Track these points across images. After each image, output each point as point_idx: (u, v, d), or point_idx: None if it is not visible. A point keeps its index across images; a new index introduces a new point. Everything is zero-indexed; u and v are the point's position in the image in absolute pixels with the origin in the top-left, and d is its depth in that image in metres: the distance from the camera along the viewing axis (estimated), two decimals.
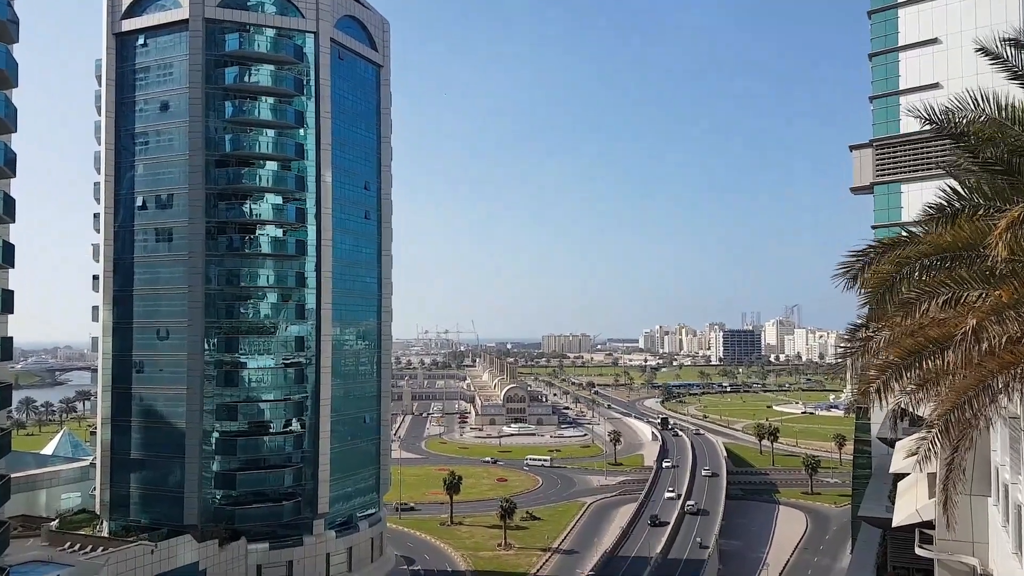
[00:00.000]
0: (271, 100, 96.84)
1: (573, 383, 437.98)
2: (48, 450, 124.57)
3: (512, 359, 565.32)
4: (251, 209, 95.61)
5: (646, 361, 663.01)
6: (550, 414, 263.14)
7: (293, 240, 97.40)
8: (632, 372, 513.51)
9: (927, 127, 29.61)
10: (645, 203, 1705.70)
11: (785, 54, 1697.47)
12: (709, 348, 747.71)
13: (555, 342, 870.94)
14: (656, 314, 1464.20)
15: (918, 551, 37.79)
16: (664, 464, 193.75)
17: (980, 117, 28.69)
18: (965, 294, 25.43)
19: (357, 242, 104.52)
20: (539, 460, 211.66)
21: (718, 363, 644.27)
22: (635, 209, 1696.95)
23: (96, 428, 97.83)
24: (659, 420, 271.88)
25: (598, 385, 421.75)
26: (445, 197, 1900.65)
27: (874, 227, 74.79)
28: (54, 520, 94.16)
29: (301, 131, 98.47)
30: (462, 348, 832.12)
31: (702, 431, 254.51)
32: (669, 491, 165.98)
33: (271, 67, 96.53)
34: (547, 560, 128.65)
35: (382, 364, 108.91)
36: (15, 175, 70.66)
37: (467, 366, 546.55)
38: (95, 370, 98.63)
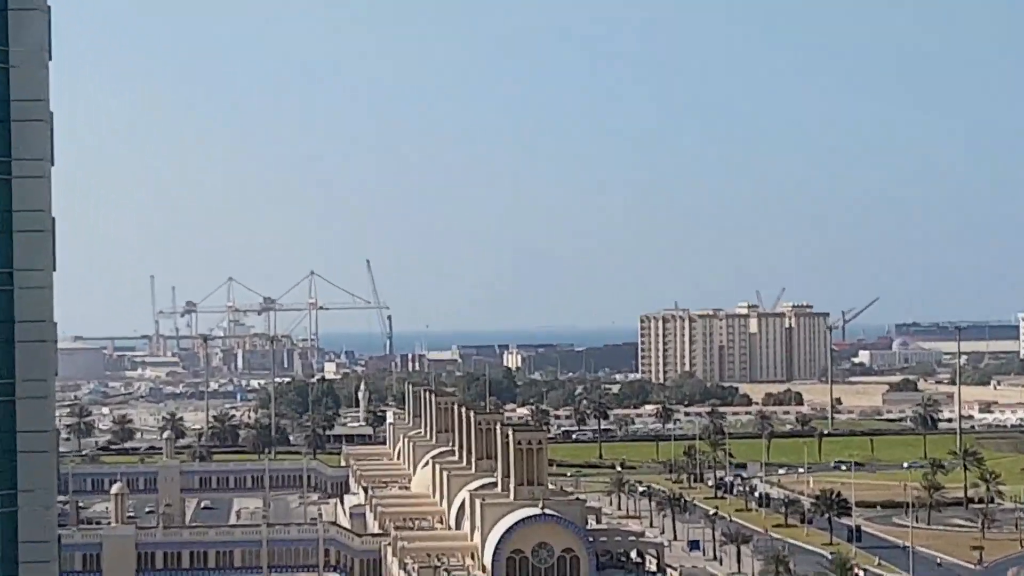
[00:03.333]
0: None
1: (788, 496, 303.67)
2: None
3: (526, 412, 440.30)
4: None
5: None
6: None
7: None
8: None
9: None
10: None
11: None
12: None
13: (703, 341, 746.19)
14: None
15: None
16: None
17: None
18: None
19: None
20: None
21: None
22: None
23: None
24: None
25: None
26: None
27: None
28: None
29: None
30: (337, 365, 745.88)
31: None
32: None
33: None
34: None
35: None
36: None
37: (354, 435, 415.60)
38: None
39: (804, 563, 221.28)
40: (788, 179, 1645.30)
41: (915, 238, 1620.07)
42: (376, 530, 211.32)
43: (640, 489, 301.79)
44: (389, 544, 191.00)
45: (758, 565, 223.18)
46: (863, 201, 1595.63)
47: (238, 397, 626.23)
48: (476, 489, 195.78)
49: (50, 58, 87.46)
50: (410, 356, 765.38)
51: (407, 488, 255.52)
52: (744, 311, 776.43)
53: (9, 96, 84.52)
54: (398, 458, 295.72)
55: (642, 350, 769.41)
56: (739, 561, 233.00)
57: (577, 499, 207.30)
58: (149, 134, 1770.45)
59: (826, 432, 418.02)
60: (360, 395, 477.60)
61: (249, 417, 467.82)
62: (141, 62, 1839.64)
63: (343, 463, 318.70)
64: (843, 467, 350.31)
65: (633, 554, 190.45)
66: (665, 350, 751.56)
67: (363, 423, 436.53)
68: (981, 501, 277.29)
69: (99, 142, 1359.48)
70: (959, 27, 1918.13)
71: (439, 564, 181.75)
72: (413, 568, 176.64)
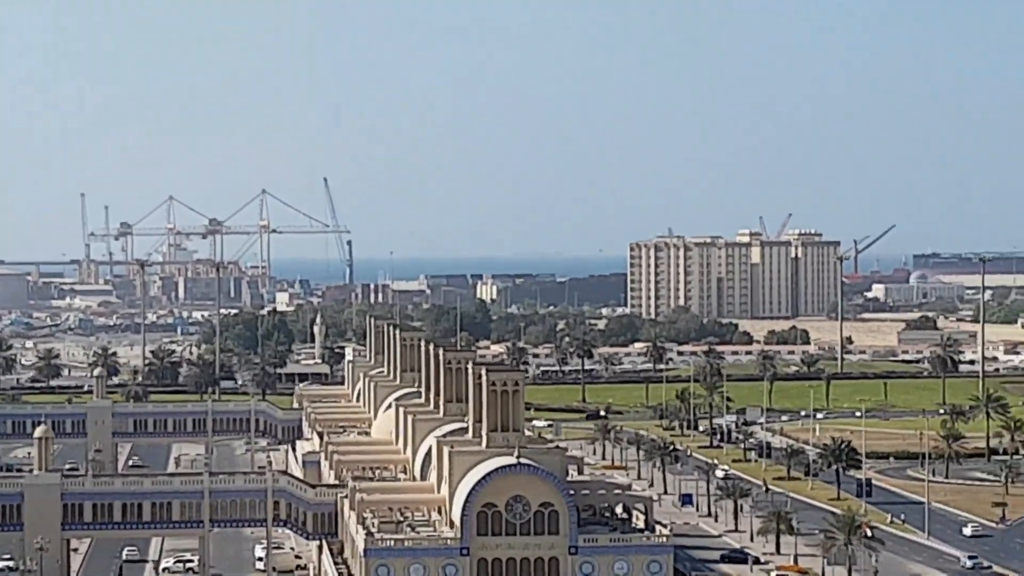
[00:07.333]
0: None
1: None
2: None
3: (502, 350, 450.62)
4: None
5: None
6: None
7: None
8: None
9: None
10: None
11: None
12: None
13: (700, 272, 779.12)
14: None
15: None
16: None
17: None
18: None
19: None
20: None
21: None
22: None
23: None
24: None
25: None
26: None
27: None
28: None
29: None
30: (290, 295, 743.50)
31: None
32: None
33: None
34: None
35: None
36: None
37: (309, 374, 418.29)
38: None
39: (808, 520, 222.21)
40: (795, 92, 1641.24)
41: (937, 159, 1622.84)
42: (332, 481, 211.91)
43: (627, 437, 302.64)
44: (346, 496, 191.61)
45: (757, 522, 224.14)
46: (879, 118, 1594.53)
47: (179, 330, 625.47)
48: (444, 435, 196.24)
49: None
50: (372, 286, 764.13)
51: (367, 434, 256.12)
52: (746, 239, 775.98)
53: None
54: (357, 400, 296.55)
55: (631, 282, 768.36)
56: (736, 517, 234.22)
57: (557, 447, 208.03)
58: (83, 28, 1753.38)
59: (835, 375, 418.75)
60: (316, 329, 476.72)
61: (191, 353, 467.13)
62: None
63: (296, 405, 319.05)
64: (855, 414, 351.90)
65: (619, 509, 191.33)
66: (657, 282, 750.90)
67: (319, 361, 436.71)
68: (1005, 452, 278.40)
69: (26, 37, 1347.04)
70: None
71: (402, 519, 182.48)
72: (373, 523, 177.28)
